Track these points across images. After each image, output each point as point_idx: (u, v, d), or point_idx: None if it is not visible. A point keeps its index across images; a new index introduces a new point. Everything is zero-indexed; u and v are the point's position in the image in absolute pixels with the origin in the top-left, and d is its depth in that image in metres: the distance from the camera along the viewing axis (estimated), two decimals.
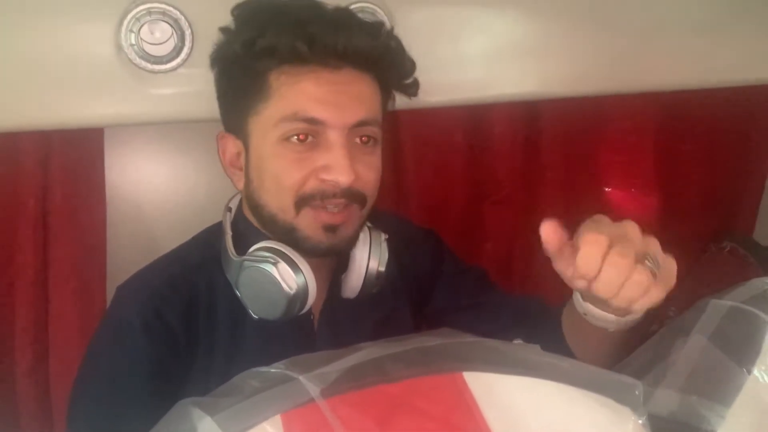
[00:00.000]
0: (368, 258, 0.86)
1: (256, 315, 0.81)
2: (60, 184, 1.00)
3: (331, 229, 0.80)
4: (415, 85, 0.88)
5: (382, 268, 0.86)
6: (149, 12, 0.90)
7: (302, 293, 0.78)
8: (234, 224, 0.86)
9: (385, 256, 0.87)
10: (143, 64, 0.92)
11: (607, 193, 1.35)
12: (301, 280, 0.78)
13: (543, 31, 1.08)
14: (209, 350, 0.83)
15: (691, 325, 0.64)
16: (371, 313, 0.91)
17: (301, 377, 0.52)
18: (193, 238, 0.91)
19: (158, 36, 0.92)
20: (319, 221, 0.79)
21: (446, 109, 1.13)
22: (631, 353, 0.68)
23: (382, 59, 0.82)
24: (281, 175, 0.78)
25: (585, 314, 0.77)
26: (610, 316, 0.74)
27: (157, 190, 1.13)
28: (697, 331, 0.62)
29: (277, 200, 0.80)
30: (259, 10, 0.82)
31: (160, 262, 0.88)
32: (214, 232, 0.88)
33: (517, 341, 0.62)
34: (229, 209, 0.88)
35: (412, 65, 0.87)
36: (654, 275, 0.65)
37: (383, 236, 0.88)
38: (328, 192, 0.78)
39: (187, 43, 0.92)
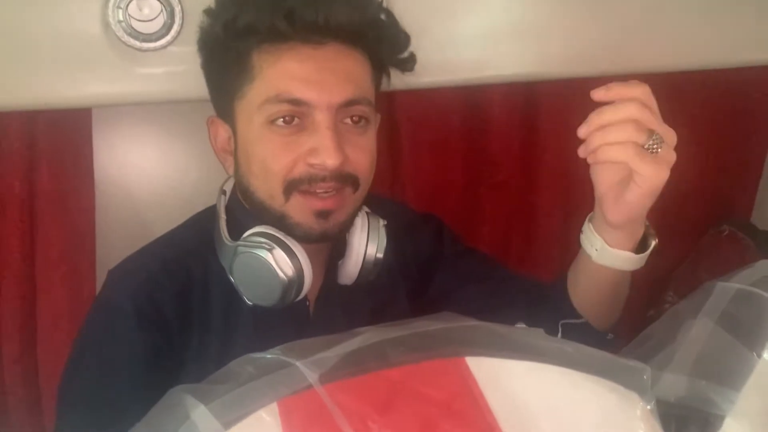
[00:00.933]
0: (366, 244, 0.84)
1: (251, 301, 0.79)
2: (47, 167, 0.98)
3: (322, 214, 0.78)
4: (411, 59, 0.85)
5: (380, 255, 0.84)
6: None
7: (298, 280, 0.77)
8: (228, 208, 0.84)
9: (384, 242, 0.85)
10: (131, 41, 0.89)
11: None
12: (297, 266, 0.76)
13: (541, 10, 1.06)
14: (203, 336, 0.81)
15: (698, 308, 0.62)
16: (368, 300, 0.90)
17: (298, 363, 0.50)
18: (186, 221, 0.89)
19: (147, 12, 0.89)
20: (309, 207, 0.77)
21: (443, 91, 1.10)
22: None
23: (369, 33, 0.79)
24: (268, 160, 0.76)
25: (596, 250, 0.78)
26: (619, 252, 0.77)
27: (147, 172, 1.11)
28: (704, 314, 0.61)
29: (266, 186, 0.78)
30: None
31: (153, 246, 0.85)
32: (208, 215, 0.86)
33: (520, 325, 0.60)
34: (224, 192, 0.86)
35: (405, 38, 0.84)
36: (651, 150, 0.69)
37: (381, 222, 0.86)
38: (316, 176, 0.76)
39: (177, 20, 0.89)
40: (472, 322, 0.57)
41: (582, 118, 1.30)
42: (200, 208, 0.90)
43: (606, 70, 1.12)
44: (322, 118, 0.75)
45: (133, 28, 0.89)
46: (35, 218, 0.99)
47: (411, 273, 0.96)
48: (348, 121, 0.78)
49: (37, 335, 1.02)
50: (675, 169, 1.35)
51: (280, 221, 0.78)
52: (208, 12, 0.81)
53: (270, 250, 0.76)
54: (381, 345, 0.53)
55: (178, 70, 0.92)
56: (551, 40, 1.07)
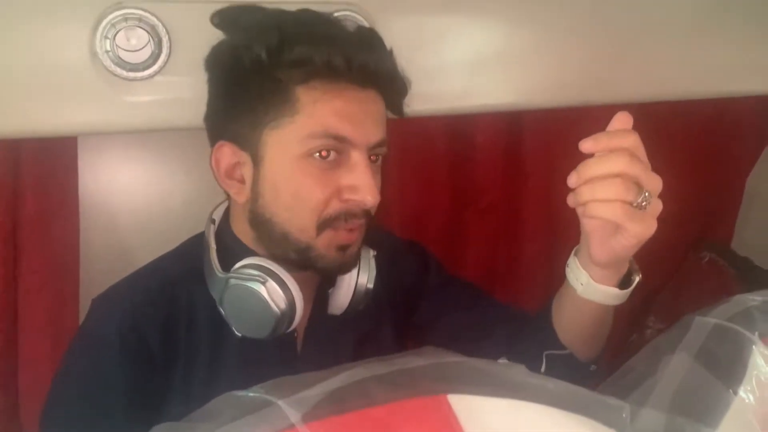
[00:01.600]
0: (357, 274, 0.85)
1: (240, 333, 0.79)
2: (31, 194, 0.97)
3: (343, 248, 0.79)
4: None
5: (371, 285, 0.86)
6: (125, 18, 0.88)
7: (290, 312, 0.77)
8: (218, 237, 0.84)
9: (374, 272, 0.86)
10: (119, 71, 0.89)
11: None
12: (289, 299, 0.77)
13: (525, 41, 1.08)
14: (189, 367, 0.81)
15: (676, 343, 0.63)
16: (355, 329, 0.91)
17: (280, 402, 0.50)
18: (172, 250, 0.88)
19: (134, 43, 0.89)
20: (337, 241, 0.78)
21: (429, 118, 1.12)
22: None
23: (394, 81, 0.82)
24: (303, 194, 0.76)
25: (582, 284, 0.78)
26: (605, 288, 0.77)
27: (132, 199, 1.10)
28: (682, 349, 0.62)
29: (296, 219, 0.78)
30: (274, 17, 0.79)
31: (138, 275, 0.85)
32: (195, 244, 0.86)
33: (502, 360, 0.61)
34: (213, 221, 0.86)
35: (407, 86, 0.86)
36: (639, 207, 0.67)
37: (371, 252, 0.87)
38: (351, 212, 0.78)
39: (165, 50, 0.90)
40: (454, 359, 0.58)
41: (565, 145, 1.32)
42: (186, 235, 0.90)
43: (588, 100, 1.14)
44: (358, 157, 0.77)
45: (120, 57, 0.89)
46: (19, 246, 0.98)
47: (396, 301, 0.97)
48: (369, 158, 0.80)
49: (19, 365, 1.00)
50: (658, 196, 1.38)
51: (302, 252, 0.79)
52: (237, 34, 0.80)
53: (263, 283, 0.76)
54: (364, 383, 0.53)
55: (165, 99, 0.92)
56: (534, 71, 1.09)
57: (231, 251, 0.81)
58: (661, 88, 1.16)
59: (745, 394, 0.56)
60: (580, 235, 0.77)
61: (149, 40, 0.89)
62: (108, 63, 0.89)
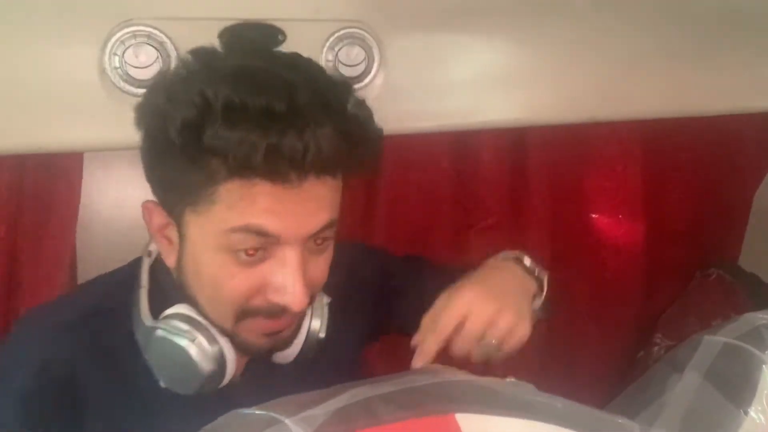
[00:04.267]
0: (309, 321, 0.77)
1: (165, 385, 0.72)
2: (33, 209, 0.97)
3: (272, 334, 0.73)
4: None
5: (323, 335, 0.78)
6: (134, 35, 0.89)
7: (220, 372, 0.71)
8: (152, 273, 0.76)
9: (326, 321, 0.78)
10: (127, 87, 0.90)
11: (594, 219, 1.35)
12: (219, 358, 0.70)
13: (530, 58, 1.08)
14: (107, 408, 0.73)
15: (685, 362, 0.63)
16: (307, 380, 0.72)
17: (287, 420, 0.50)
18: (109, 274, 0.82)
19: (143, 59, 0.89)
20: (260, 330, 0.72)
21: (433, 135, 1.12)
22: None
23: (353, 160, 0.67)
24: (222, 287, 0.68)
25: None
26: None
27: (134, 215, 1.10)
28: (691, 369, 0.62)
29: (215, 307, 0.70)
30: (205, 73, 0.67)
31: (67, 298, 0.82)
32: (131, 274, 0.77)
33: (510, 379, 0.60)
34: (149, 253, 0.77)
35: (377, 142, 0.71)
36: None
37: (325, 299, 0.79)
38: (275, 310, 0.69)
39: (173, 67, 0.91)
40: (462, 377, 0.57)
41: (570, 162, 1.32)
42: None
43: (593, 116, 1.14)
44: (291, 255, 0.66)
45: (128, 74, 0.89)
46: (17, 262, 0.97)
47: (359, 331, 0.91)
48: (311, 244, 0.69)
49: None
50: (664, 213, 1.38)
51: (228, 335, 0.71)
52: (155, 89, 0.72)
53: (192, 341, 0.69)
54: (370, 401, 0.53)
55: None
56: (540, 88, 1.09)
57: (164, 292, 0.74)
58: (666, 105, 1.16)
59: (756, 414, 0.56)
60: None
61: (158, 57, 0.90)
62: (116, 80, 0.89)
